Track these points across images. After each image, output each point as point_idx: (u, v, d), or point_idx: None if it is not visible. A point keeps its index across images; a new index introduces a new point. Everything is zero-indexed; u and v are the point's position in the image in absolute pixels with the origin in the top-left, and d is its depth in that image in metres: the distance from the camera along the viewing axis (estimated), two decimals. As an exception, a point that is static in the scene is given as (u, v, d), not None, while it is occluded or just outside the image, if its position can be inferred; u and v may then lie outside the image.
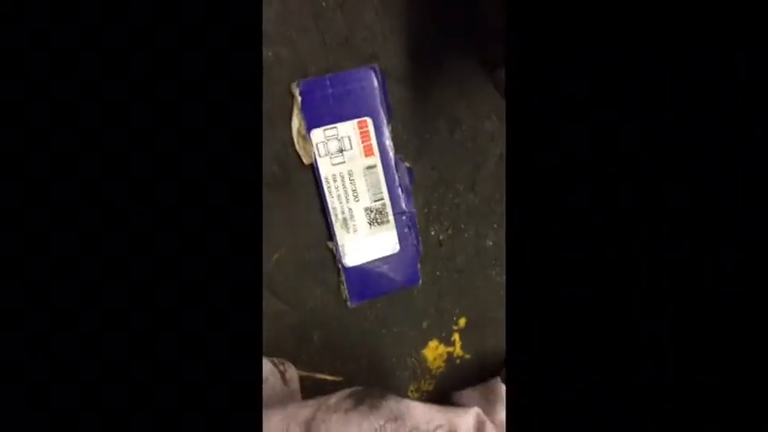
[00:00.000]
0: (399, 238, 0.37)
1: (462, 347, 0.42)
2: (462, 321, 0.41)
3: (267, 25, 0.31)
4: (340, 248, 0.36)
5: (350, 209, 0.35)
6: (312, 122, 0.33)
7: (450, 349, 0.42)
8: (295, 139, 0.34)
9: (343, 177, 0.35)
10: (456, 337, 0.41)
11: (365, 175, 0.35)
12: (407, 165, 0.36)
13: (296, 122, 0.33)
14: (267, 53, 0.32)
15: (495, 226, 0.40)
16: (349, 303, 0.37)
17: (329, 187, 0.35)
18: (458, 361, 0.42)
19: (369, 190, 0.35)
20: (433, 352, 0.41)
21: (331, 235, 0.36)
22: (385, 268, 0.37)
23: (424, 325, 0.40)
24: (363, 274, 0.37)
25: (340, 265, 0.36)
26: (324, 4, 0.32)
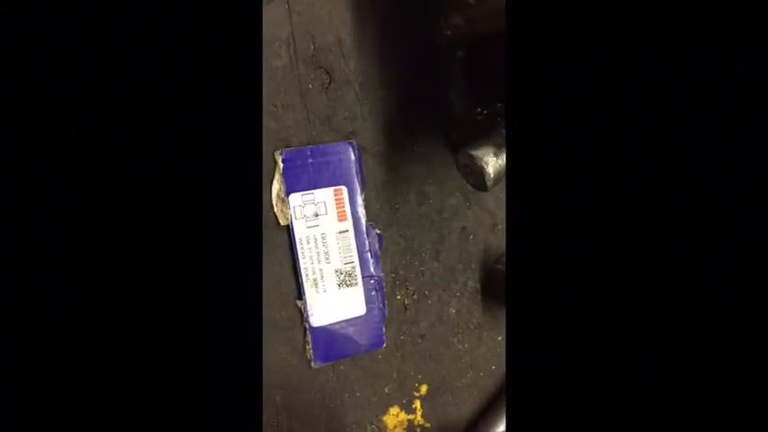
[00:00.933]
0: (366, 301, 0.38)
1: (423, 416, 0.42)
2: (424, 389, 0.42)
3: (258, 100, 0.35)
4: (308, 308, 0.37)
5: (321, 270, 0.37)
6: (291, 187, 0.36)
7: (411, 417, 0.42)
8: (274, 202, 0.36)
9: (316, 240, 0.37)
10: (417, 404, 0.42)
11: (337, 239, 0.37)
12: (378, 231, 0.39)
13: (276, 186, 0.36)
14: (256, 124, 0.35)
15: (458, 294, 0.42)
16: (313, 364, 0.38)
17: (302, 248, 0.37)
18: (418, 430, 0.42)
19: (340, 253, 0.37)
20: (394, 419, 0.41)
21: (300, 294, 0.37)
22: (351, 330, 0.38)
23: (386, 390, 0.41)
24: (329, 336, 0.38)
25: (307, 325, 0.37)
26: (310, 86, 0.36)
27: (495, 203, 0.42)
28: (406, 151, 0.39)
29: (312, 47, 0.36)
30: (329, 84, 0.36)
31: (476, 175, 0.32)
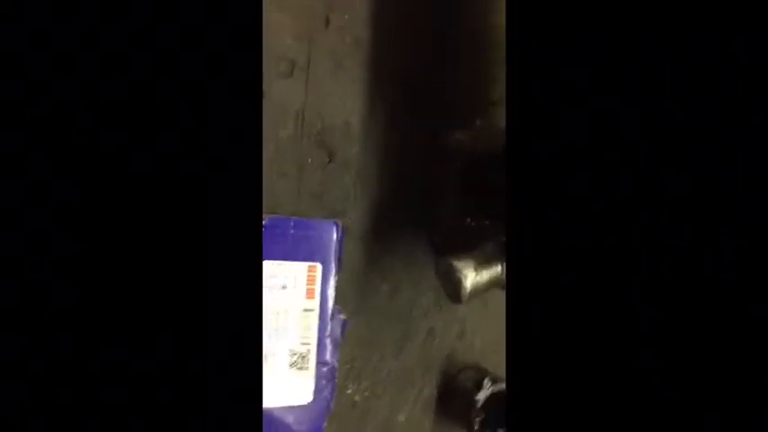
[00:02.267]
0: (315, 389, 0.36)
1: None
2: (355, 499, 0.38)
3: (255, 163, 0.35)
4: (252, 385, 0.35)
5: (274, 346, 0.35)
6: (265, 255, 0.35)
7: None
8: (244, 266, 0.35)
9: (278, 313, 0.35)
10: None
11: (300, 317, 0.36)
12: (343, 317, 0.37)
13: (251, 251, 0.35)
14: (246, 185, 0.35)
15: (411, 402, 0.40)
16: (241, 449, 0.34)
17: (263, 320, 0.35)
18: None
19: (299, 332, 0.36)
20: None
21: (247, 369, 0.35)
22: (290, 419, 0.36)
23: (314, 494, 0.37)
24: (267, 422, 0.35)
25: (246, 404, 0.35)
26: (310, 160, 0.37)
27: (467, 312, 0.41)
28: (389, 243, 0.39)
29: (320, 125, 0.37)
30: (328, 163, 0.37)
31: (453, 286, 0.32)
